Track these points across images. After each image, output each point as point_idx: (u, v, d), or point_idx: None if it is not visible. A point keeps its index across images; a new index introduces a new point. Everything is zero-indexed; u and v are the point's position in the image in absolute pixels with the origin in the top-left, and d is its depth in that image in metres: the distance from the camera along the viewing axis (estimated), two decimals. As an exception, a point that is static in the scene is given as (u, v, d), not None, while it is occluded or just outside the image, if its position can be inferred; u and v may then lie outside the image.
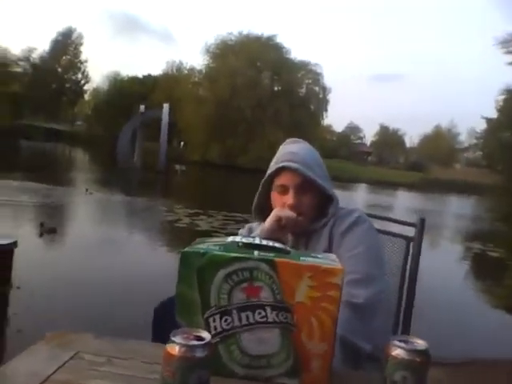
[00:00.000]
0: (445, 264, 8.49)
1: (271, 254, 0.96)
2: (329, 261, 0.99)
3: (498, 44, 3.91)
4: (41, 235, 7.37)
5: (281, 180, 1.45)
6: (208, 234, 8.97)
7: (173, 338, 0.77)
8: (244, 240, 1.01)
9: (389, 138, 72.69)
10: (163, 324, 1.15)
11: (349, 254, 1.33)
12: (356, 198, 21.61)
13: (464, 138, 69.50)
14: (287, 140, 1.60)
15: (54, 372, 0.91)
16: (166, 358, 0.77)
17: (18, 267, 4.53)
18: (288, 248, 1.01)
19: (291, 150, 1.48)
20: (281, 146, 1.56)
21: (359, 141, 77.81)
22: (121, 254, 7.10)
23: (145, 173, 24.21)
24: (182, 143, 46.22)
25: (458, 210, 23.02)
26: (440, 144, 64.77)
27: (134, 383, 0.91)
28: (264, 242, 1.01)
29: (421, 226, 1.82)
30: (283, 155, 1.48)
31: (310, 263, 0.95)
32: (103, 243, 7.64)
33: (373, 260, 1.37)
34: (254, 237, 1.04)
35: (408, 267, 1.76)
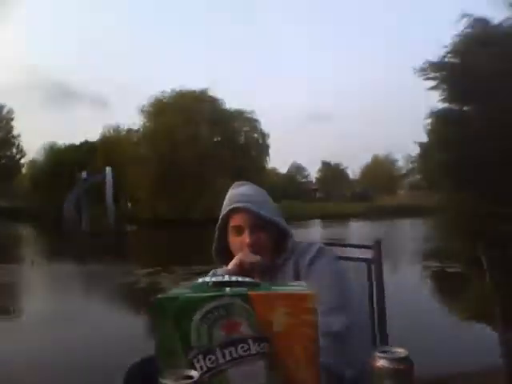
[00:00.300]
0: (408, 284, 8.73)
1: (243, 289, 1.00)
2: (299, 287, 1.03)
3: (418, 72, 4.23)
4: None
5: (234, 221, 1.50)
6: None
7: (162, 380, 0.78)
8: (213, 279, 1.05)
9: (332, 173, 74.82)
10: None
11: (318, 285, 1.37)
12: (311, 234, 21.88)
13: (402, 164, 72.81)
14: (234, 184, 1.66)
15: None
16: (159, 403, 0.78)
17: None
18: (257, 281, 1.05)
19: (240, 192, 1.54)
20: (229, 190, 1.62)
21: (305, 179, 79.57)
22: (78, 327, 6.73)
23: (95, 238, 23.54)
24: (129, 204, 45.46)
25: (408, 233, 23.77)
26: (380, 172, 67.32)
27: None
28: (233, 278, 1.05)
29: (377, 247, 1.92)
30: (233, 197, 1.53)
31: (282, 292, 0.99)
32: (59, 318, 7.25)
33: (342, 288, 1.43)
34: (222, 275, 1.07)
35: (374, 287, 1.83)
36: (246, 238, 1.47)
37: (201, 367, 0.95)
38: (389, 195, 55.70)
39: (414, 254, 15.10)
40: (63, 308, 8.05)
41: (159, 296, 0.99)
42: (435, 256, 12.82)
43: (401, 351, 0.93)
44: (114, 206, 26.35)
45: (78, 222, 26.25)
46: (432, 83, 4.23)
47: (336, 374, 1.26)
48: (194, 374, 0.81)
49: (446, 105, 4.32)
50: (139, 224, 28.90)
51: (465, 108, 4.33)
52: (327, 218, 36.45)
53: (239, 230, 1.49)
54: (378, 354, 0.91)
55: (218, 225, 1.56)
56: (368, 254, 1.95)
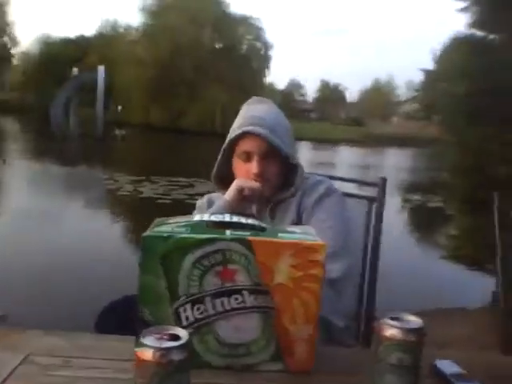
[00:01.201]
0: (392, 217, 8.78)
1: (245, 233, 0.86)
2: (309, 236, 0.90)
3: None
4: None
5: (245, 146, 1.33)
6: (152, 200, 8.71)
7: (143, 341, 0.67)
8: (213, 218, 0.91)
9: (329, 94, 73.30)
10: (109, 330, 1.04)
11: (319, 227, 1.26)
12: (301, 157, 21.82)
13: (402, 91, 71.52)
14: (251, 99, 1.44)
15: (2, 382, 0.79)
16: (139, 364, 0.66)
17: None
18: (263, 224, 0.91)
19: (258, 114, 1.34)
20: (244, 106, 1.41)
21: (301, 98, 78.08)
22: (58, 227, 6.69)
23: (82, 140, 23.14)
24: (120, 107, 44.49)
25: (398, 163, 23.78)
26: (378, 98, 66.14)
27: (100, 387, 0.80)
28: (235, 219, 0.91)
29: (383, 185, 1.79)
30: (248, 118, 1.34)
31: (289, 240, 0.86)
32: (41, 217, 7.18)
33: (343, 233, 1.32)
34: (222, 213, 0.93)
35: (371, 227, 1.73)
36: (254, 166, 1.32)
37: (187, 317, 0.84)
38: (383, 122, 55.19)
39: (398, 185, 15.15)
40: (47, 208, 7.97)
41: (148, 233, 0.85)
42: (419, 189, 12.86)
43: (415, 320, 0.82)
44: (103, 107, 25.60)
45: (65, 122, 25.57)
46: (462, 4, 3.89)
47: (328, 323, 1.17)
48: (182, 333, 0.69)
49: (470, 32, 4.00)
50: (128, 129, 28.38)
51: (491, 36, 4.02)
52: (319, 140, 36.21)
53: (248, 157, 1.33)
54: (388, 322, 0.81)
55: (224, 146, 1.37)
56: (369, 192, 1.83)
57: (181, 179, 11.00)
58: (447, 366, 0.91)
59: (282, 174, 1.37)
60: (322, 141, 36.29)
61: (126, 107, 41.81)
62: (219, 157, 1.40)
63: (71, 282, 4.26)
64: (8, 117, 37.86)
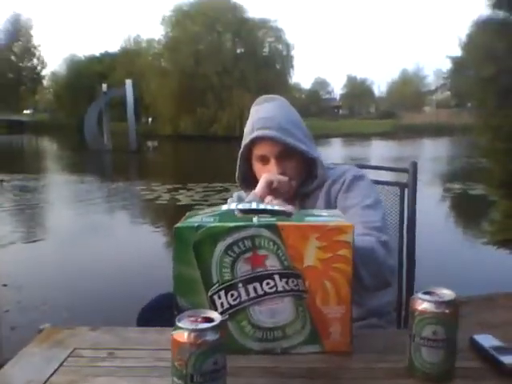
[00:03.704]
0: (432, 207, 8.60)
1: (272, 219, 0.88)
2: (335, 217, 0.91)
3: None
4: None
5: (259, 150, 1.34)
6: (190, 207, 8.81)
7: (179, 324, 0.70)
8: (240, 206, 0.93)
9: (357, 89, 72.46)
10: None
11: (362, 205, 1.27)
12: (332, 154, 21.64)
13: (431, 80, 69.97)
14: (259, 98, 1.42)
15: (51, 374, 0.84)
16: (175, 346, 0.69)
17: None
18: (289, 210, 0.93)
19: (265, 115, 1.33)
20: (252, 108, 1.40)
21: (328, 95, 77.51)
22: (104, 238, 6.95)
23: (117, 154, 23.72)
24: (150, 119, 45.27)
25: (433, 153, 23.27)
26: (408, 89, 64.83)
27: (142, 375, 0.84)
28: (262, 206, 0.93)
29: (413, 170, 1.76)
30: (256, 121, 1.33)
31: (315, 223, 0.88)
32: (87, 230, 7.46)
33: (381, 210, 1.32)
34: (250, 202, 0.95)
35: (406, 213, 1.71)
36: (272, 168, 1.32)
37: (222, 304, 0.87)
38: (415, 113, 54.10)
39: (437, 174, 14.80)
40: (91, 222, 8.26)
41: (179, 224, 0.88)
42: (459, 178, 12.55)
43: (447, 293, 0.82)
44: (134, 120, 26.10)
45: (99, 137, 26.22)
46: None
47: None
48: (215, 315, 0.72)
49: (491, 12, 3.90)
50: (160, 140, 28.88)
51: None
52: (349, 136, 35.82)
53: (265, 160, 1.34)
54: (421, 296, 0.81)
55: (240, 152, 1.37)
56: (401, 178, 1.81)
57: (216, 184, 11.10)
58: (486, 340, 0.90)
59: (303, 168, 1.37)
60: (353, 136, 35.88)
61: (155, 119, 42.59)
62: (238, 161, 1.41)
63: (121, 284, 4.50)
64: (43, 136, 39.23)
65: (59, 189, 12.32)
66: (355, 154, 21.55)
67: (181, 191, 10.74)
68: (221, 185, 10.81)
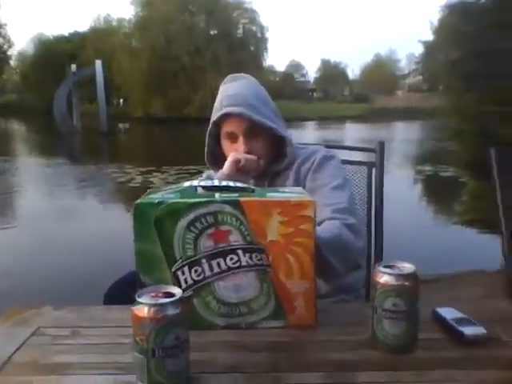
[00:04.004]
0: (402, 188, 8.74)
1: (235, 195, 0.88)
2: (297, 194, 0.92)
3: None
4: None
5: (227, 127, 1.33)
6: (164, 190, 8.74)
7: (139, 299, 0.69)
8: (202, 183, 0.92)
9: (331, 72, 72.58)
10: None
11: (330, 186, 1.28)
12: (306, 136, 21.71)
13: (404, 65, 70.64)
14: (227, 77, 1.42)
15: (13, 352, 0.83)
16: (136, 322, 0.69)
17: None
18: (252, 186, 0.93)
19: (232, 92, 1.33)
20: (221, 86, 1.40)
21: (302, 78, 77.40)
22: (76, 220, 6.83)
23: (87, 135, 23.24)
24: (121, 100, 44.40)
25: (404, 135, 23.60)
26: (381, 73, 65.37)
27: (105, 352, 0.83)
28: (224, 183, 0.93)
29: (381, 149, 1.78)
30: (224, 98, 1.33)
31: (277, 199, 0.88)
32: (58, 212, 7.32)
33: (349, 191, 1.33)
34: (212, 179, 0.94)
35: (373, 192, 1.73)
36: (240, 145, 1.32)
37: (185, 280, 0.86)
38: (388, 96, 54.62)
39: (409, 157, 15.04)
40: (63, 204, 8.11)
41: (139, 200, 0.87)
42: (429, 160, 12.78)
43: (407, 266, 0.83)
44: (105, 102, 25.54)
45: (69, 118, 25.60)
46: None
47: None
48: (176, 290, 0.71)
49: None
50: (132, 122, 28.40)
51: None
52: (324, 119, 35.96)
53: (233, 137, 1.33)
54: (381, 269, 0.82)
55: (208, 129, 1.37)
56: (368, 158, 1.83)
57: (190, 167, 11.01)
58: (448, 312, 0.92)
59: (271, 147, 1.37)
60: (328, 119, 36.05)
61: (126, 100, 41.78)
62: (206, 139, 1.40)
63: (92, 263, 4.48)
64: (11, 118, 38.09)
65: (29, 172, 12.04)
66: (329, 136, 21.68)
67: (154, 174, 10.62)
68: (194, 167, 10.74)
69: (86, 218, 7.02)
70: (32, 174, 11.76)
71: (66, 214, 7.13)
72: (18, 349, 0.84)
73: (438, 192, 9.51)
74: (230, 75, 1.43)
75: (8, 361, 0.80)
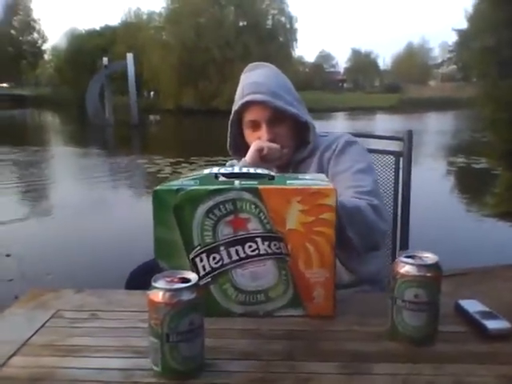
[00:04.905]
0: (434, 179, 8.55)
1: (254, 182, 0.87)
2: (318, 181, 0.90)
3: None
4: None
5: (250, 115, 1.32)
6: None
7: (154, 284, 0.69)
8: (222, 170, 0.92)
9: (362, 62, 71.42)
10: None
11: (353, 170, 1.26)
12: (337, 126, 21.45)
13: (437, 54, 68.89)
14: (248, 66, 1.41)
15: (32, 335, 0.84)
16: (151, 306, 0.69)
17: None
18: (272, 173, 0.91)
19: (254, 80, 1.32)
20: (243, 74, 1.39)
21: (332, 69, 76.49)
22: (106, 210, 6.98)
23: (119, 128, 23.63)
24: (152, 93, 44.90)
25: (437, 126, 23.06)
26: (413, 62, 63.90)
27: (122, 335, 0.84)
28: (244, 170, 0.92)
29: (409, 138, 1.74)
30: (246, 86, 1.32)
31: (297, 186, 0.86)
32: (90, 201, 7.50)
33: (373, 175, 1.30)
34: (232, 166, 0.94)
35: (400, 182, 1.69)
36: (263, 133, 1.30)
37: (203, 267, 0.86)
38: (420, 86, 53.40)
39: (441, 148, 14.68)
40: (94, 193, 8.30)
41: (158, 187, 0.87)
42: (463, 151, 12.44)
43: (430, 256, 0.81)
44: (136, 95, 25.88)
45: (101, 111, 26.06)
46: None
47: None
48: (192, 276, 0.71)
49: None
50: (162, 114, 28.68)
51: None
52: (354, 110, 35.46)
53: (255, 125, 1.32)
54: (403, 259, 0.80)
55: (231, 119, 1.36)
56: (396, 147, 1.79)
57: (219, 158, 11.07)
58: (471, 305, 0.90)
59: (294, 134, 1.35)
60: (358, 110, 35.55)
61: (157, 93, 42.20)
62: (229, 128, 1.39)
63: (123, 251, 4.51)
64: (46, 111, 39.07)
65: (65, 162, 12.38)
66: (360, 127, 21.38)
67: (183, 165, 10.73)
68: (223, 158, 10.79)
69: (117, 204, 7.22)
70: (67, 164, 12.10)
71: (102, 203, 7.34)
72: (37, 331, 0.86)
73: (469, 184, 9.27)
74: (251, 63, 1.42)
75: (26, 342, 0.82)
